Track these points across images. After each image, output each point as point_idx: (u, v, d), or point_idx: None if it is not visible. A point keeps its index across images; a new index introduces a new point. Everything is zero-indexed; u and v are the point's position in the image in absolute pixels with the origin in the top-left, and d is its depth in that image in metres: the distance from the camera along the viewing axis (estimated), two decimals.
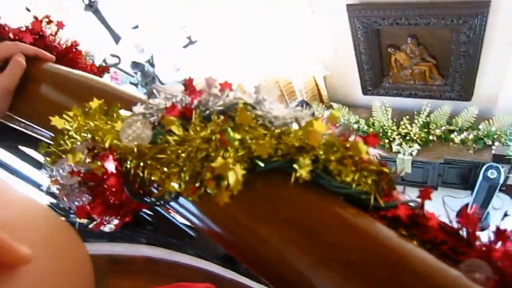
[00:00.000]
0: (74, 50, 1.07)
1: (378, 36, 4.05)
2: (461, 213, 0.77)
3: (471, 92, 4.14)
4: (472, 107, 4.16)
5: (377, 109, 4.49)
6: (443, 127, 4.28)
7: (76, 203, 0.71)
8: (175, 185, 0.61)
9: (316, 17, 4.00)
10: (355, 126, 4.55)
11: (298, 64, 4.43)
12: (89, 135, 0.68)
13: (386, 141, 4.45)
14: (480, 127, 4.15)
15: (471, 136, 4.15)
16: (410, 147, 4.35)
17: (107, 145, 0.64)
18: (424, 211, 0.69)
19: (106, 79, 3.42)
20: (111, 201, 0.70)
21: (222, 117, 0.64)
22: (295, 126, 0.65)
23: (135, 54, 3.02)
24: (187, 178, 0.61)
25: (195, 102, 0.67)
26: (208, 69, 4.86)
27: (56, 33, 1.07)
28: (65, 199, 0.71)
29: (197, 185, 0.61)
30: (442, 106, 4.27)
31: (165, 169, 0.62)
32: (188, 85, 0.70)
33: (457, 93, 4.21)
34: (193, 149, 0.61)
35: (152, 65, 3.17)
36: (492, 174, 3.92)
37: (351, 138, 0.68)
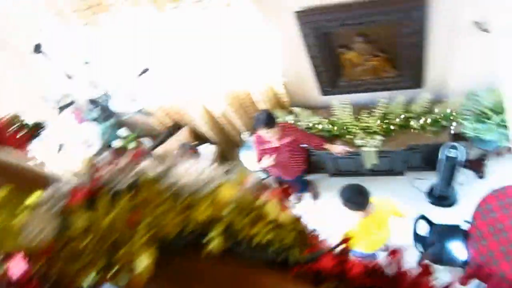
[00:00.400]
0: None
1: (328, 38, 4.16)
2: (390, 252, 0.86)
3: (422, 80, 4.31)
4: (425, 93, 4.34)
5: (337, 108, 4.62)
6: (402, 116, 4.44)
7: None
8: (90, 275, 0.60)
9: (267, 28, 4.14)
10: (319, 126, 4.70)
11: (256, 77, 4.55)
12: None
13: (350, 136, 4.59)
14: (436, 110, 4.33)
15: (428, 121, 4.32)
16: (373, 139, 4.52)
17: (6, 250, 0.61)
18: (349, 259, 0.72)
19: (69, 117, 3.47)
20: None
21: (129, 194, 0.63)
22: (206, 188, 0.64)
23: (90, 90, 3.08)
24: (100, 267, 0.60)
25: (102, 180, 0.66)
26: (166, 95, 4.94)
27: None
28: None
29: (113, 271, 0.60)
30: (397, 96, 4.43)
31: (76, 262, 0.60)
32: (90, 167, 0.70)
33: (409, 82, 4.36)
34: (100, 236, 0.60)
35: (108, 99, 3.23)
36: (452, 153, 4.12)
37: (265, 194, 0.69)
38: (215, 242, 0.58)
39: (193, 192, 0.63)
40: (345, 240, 0.75)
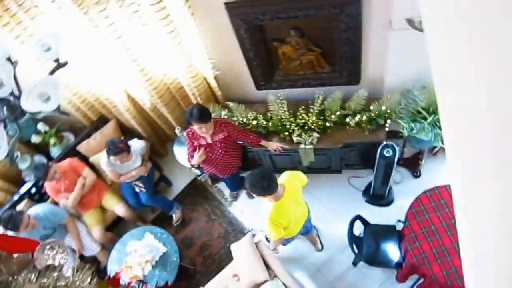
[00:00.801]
0: None
1: (262, 31, 3.98)
2: None
3: (359, 76, 4.23)
4: (361, 90, 4.25)
5: (273, 103, 4.46)
6: (338, 113, 4.32)
7: None
8: None
9: (198, 18, 3.90)
10: (254, 122, 4.52)
11: (187, 68, 4.31)
12: None
13: (286, 133, 4.46)
14: (372, 108, 4.25)
15: (364, 118, 4.24)
16: (310, 136, 4.38)
17: None
18: None
19: None
20: None
21: None
22: None
23: None
24: None
25: None
26: (91, 86, 4.61)
27: None
28: None
29: None
30: (334, 92, 4.32)
31: None
32: None
33: (345, 78, 4.27)
34: None
35: (18, 97, 2.90)
36: (387, 152, 4.04)
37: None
38: None
39: None
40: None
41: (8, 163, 4.72)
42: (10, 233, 4.28)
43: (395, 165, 4.16)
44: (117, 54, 4.07)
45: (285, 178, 3.63)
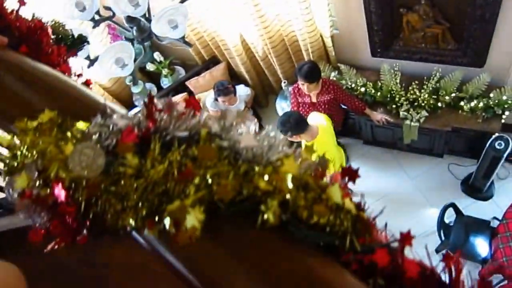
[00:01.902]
0: (39, 31, 1.00)
1: None
2: (445, 256, 0.75)
3: (485, 59, 4.02)
4: (484, 74, 4.06)
5: (386, 73, 4.39)
6: (453, 94, 4.19)
7: (36, 219, 0.68)
8: (131, 220, 0.57)
9: None
10: (362, 89, 4.47)
11: (306, 22, 4.30)
12: (39, 156, 0.62)
13: (394, 106, 4.38)
14: (491, 95, 4.06)
15: (481, 105, 4.07)
16: (418, 113, 4.28)
17: (52, 174, 0.59)
18: (404, 258, 0.66)
19: (103, 30, 3.33)
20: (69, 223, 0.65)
21: (183, 146, 0.59)
22: (268, 157, 0.60)
23: (129, 8, 2.91)
24: (144, 213, 0.57)
25: (157, 125, 0.61)
26: (209, 26, 4.75)
27: (17, 11, 0.99)
28: (22, 214, 0.68)
29: (156, 220, 0.56)
30: (453, 72, 4.17)
31: (120, 203, 0.57)
32: (148, 105, 0.64)
33: (469, 59, 4.08)
34: (149, 183, 0.57)
35: (149, 20, 3.07)
36: (499, 145, 3.87)
37: (328, 176, 0.64)
38: (270, 214, 0.55)
39: (254, 157, 0.59)
40: (406, 238, 0.68)
41: (128, 82, 5.02)
42: None
43: (503, 159, 3.96)
44: None
45: (317, 120, 3.92)
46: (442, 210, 4.07)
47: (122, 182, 0.58)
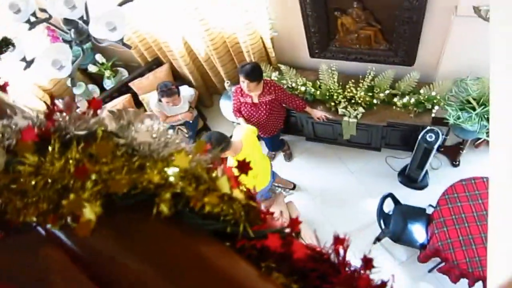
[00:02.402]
0: None
1: None
2: (334, 239, 0.86)
3: (414, 58, 4.26)
4: (414, 72, 4.29)
5: (324, 72, 4.56)
6: (387, 91, 4.40)
7: None
8: (33, 216, 0.60)
9: None
10: (302, 88, 4.64)
11: (246, 25, 4.43)
12: None
13: (332, 104, 4.56)
14: (421, 91, 4.31)
15: (412, 100, 4.30)
16: (355, 110, 4.48)
17: None
18: (292, 241, 0.71)
19: (42, 32, 3.30)
20: None
21: (82, 144, 0.63)
22: (162, 152, 0.64)
23: (66, 10, 2.91)
24: (45, 208, 0.60)
25: (57, 124, 0.66)
26: (151, 28, 4.79)
27: None
28: None
29: (57, 215, 0.60)
30: (386, 70, 4.38)
31: (21, 200, 0.60)
32: (48, 106, 0.68)
33: (400, 58, 4.32)
34: (48, 180, 0.60)
35: (86, 22, 3.08)
36: (430, 137, 4.12)
37: (220, 168, 0.69)
38: (163, 205, 0.59)
39: (150, 153, 0.63)
40: (294, 223, 0.74)
41: (68, 83, 4.98)
42: None
43: (434, 151, 4.24)
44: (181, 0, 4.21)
45: (241, 133, 3.99)
46: (381, 200, 4.29)
47: (22, 179, 0.61)
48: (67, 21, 3.07)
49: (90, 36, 3.17)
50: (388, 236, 4.38)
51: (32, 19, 2.93)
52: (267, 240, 0.65)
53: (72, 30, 3.14)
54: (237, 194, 0.66)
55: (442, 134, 4.18)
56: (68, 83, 5.00)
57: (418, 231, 4.27)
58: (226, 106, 5.18)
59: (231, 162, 3.75)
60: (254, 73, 4.06)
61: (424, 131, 4.19)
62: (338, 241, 0.82)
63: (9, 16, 2.80)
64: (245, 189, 0.72)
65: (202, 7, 4.33)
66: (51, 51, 2.95)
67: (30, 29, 2.99)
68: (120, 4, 3.16)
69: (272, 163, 5.42)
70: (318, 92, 4.62)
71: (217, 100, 5.52)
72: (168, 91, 4.53)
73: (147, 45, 5.07)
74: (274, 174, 4.64)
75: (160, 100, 4.68)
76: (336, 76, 4.55)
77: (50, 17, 3.01)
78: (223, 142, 3.65)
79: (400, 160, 5.02)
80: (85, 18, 3.05)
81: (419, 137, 4.22)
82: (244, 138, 3.92)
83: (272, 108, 4.42)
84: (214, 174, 0.65)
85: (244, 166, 0.73)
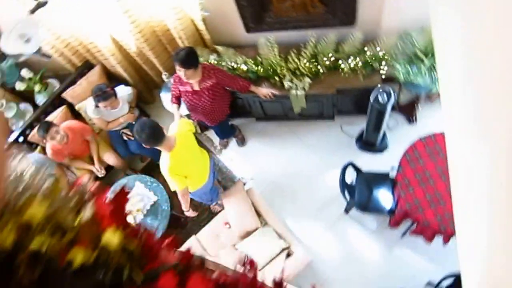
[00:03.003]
0: None
1: None
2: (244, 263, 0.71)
3: (354, 16, 4.03)
4: (356, 32, 4.07)
5: (263, 46, 4.30)
6: (331, 57, 4.20)
7: None
8: None
9: None
10: (244, 67, 4.39)
11: (173, 9, 4.13)
12: None
13: (277, 78, 4.33)
14: (367, 52, 4.11)
15: (359, 62, 4.11)
16: (301, 81, 4.26)
17: None
18: (191, 275, 0.60)
19: None
20: None
21: None
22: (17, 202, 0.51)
23: None
24: None
25: None
26: (74, 30, 4.46)
27: None
28: None
29: None
30: (327, 35, 4.14)
31: None
32: None
33: (340, 19, 4.08)
34: None
35: None
36: (382, 98, 3.95)
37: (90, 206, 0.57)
38: (21, 270, 0.45)
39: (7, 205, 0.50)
40: (184, 257, 0.62)
41: None
42: None
43: (389, 111, 4.07)
44: None
45: (176, 128, 3.74)
46: (341, 171, 4.11)
47: None
48: None
49: (4, 54, 2.85)
50: (355, 207, 4.22)
51: None
52: (160, 280, 0.54)
53: None
54: (110, 237, 0.53)
55: (394, 93, 4.00)
56: None
57: (384, 197, 4.11)
58: (167, 99, 4.90)
59: (166, 158, 3.54)
60: (189, 60, 3.78)
61: (375, 92, 4.01)
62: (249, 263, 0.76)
63: None
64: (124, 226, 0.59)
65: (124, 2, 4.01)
66: None
67: None
68: (33, 11, 2.86)
69: (225, 151, 5.22)
70: (260, 69, 4.37)
71: (157, 95, 5.22)
72: (103, 94, 4.24)
73: (73, 49, 4.71)
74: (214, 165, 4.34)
75: (97, 106, 4.38)
76: (276, 48, 4.30)
77: None
78: (157, 135, 3.40)
79: (355, 126, 4.83)
80: None
81: (371, 99, 4.03)
82: (178, 133, 3.65)
83: (215, 93, 4.16)
84: (82, 216, 0.55)
85: (121, 198, 0.62)
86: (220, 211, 4.63)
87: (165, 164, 3.55)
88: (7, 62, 3.24)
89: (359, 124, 4.78)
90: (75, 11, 4.14)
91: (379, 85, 4.05)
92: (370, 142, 4.65)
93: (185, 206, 4.02)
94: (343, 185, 4.14)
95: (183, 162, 3.64)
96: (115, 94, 4.36)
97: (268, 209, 4.30)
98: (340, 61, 4.21)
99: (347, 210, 4.46)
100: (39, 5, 2.90)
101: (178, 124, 3.78)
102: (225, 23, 4.45)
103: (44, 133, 4.28)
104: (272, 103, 4.56)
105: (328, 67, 4.25)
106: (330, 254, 4.44)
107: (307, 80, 4.26)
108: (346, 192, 4.17)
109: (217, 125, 4.60)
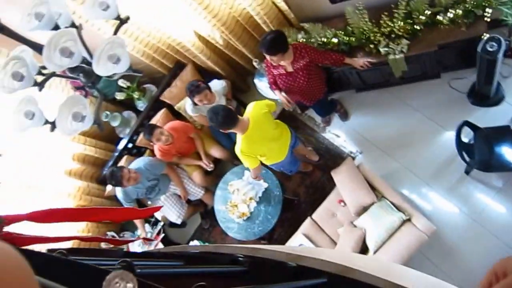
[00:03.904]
0: None
1: None
2: None
3: None
4: None
5: (351, 14, 4.13)
6: (427, 12, 3.93)
7: None
8: None
9: None
10: (335, 40, 4.25)
11: None
12: None
13: (372, 46, 4.15)
14: None
15: (459, 12, 3.83)
16: (398, 44, 4.05)
17: None
18: None
19: (61, 80, 3.16)
20: None
21: None
22: None
23: (64, 61, 2.75)
24: None
25: None
26: (160, 34, 4.58)
27: None
28: None
29: None
30: None
31: None
32: None
33: None
34: None
35: (88, 63, 2.91)
36: (491, 46, 3.64)
37: None
38: None
39: None
40: None
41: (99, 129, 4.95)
42: (118, 191, 4.63)
43: (500, 58, 3.74)
44: None
45: (249, 110, 3.74)
46: (456, 131, 3.88)
47: None
48: (71, 69, 2.93)
49: (98, 76, 3.00)
50: (476, 167, 3.97)
51: (39, 78, 2.81)
52: None
53: (80, 75, 3.00)
54: None
55: (505, 39, 3.66)
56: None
57: (507, 152, 3.83)
58: (262, 85, 4.92)
59: (239, 139, 3.65)
60: (274, 46, 3.75)
61: (483, 41, 3.68)
62: None
63: (14, 86, 2.68)
64: None
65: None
66: (67, 106, 2.81)
67: (40, 90, 2.86)
68: (116, 31, 2.96)
69: (328, 128, 5.12)
70: (352, 39, 4.22)
71: (252, 82, 5.23)
72: (196, 88, 4.34)
73: (163, 52, 4.86)
74: (296, 142, 4.31)
75: (195, 104, 4.49)
76: (366, 14, 4.11)
77: (54, 72, 2.88)
78: (229, 120, 3.52)
79: (465, 80, 4.50)
80: (88, 58, 2.88)
81: (479, 49, 3.72)
82: (251, 115, 3.69)
83: (310, 72, 4.09)
84: None
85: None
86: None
87: (238, 145, 3.70)
88: (103, 79, 3.40)
89: (468, 78, 4.46)
90: (157, 16, 4.24)
91: (485, 33, 3.73)
92: (483, 95, 4.32)
93: (252, 176, 4.28)
94: (460, 145, 3.92)
95: (257, 144, 3.76)
96: (208, 88, 4.43)
97: (382, 182, 4.19)
98: (437, 15, 3.92)
99: (467, 172, 4.22)
100: (122, 23, 2.98)
101: (252, 106, 3.80)
102: None
103: (150, 136, 4.50)
104: (370, 71, 4.40)
105: (425, 24, 3.99)
106: (455, 220, 4.26)
107: (405, 41, 4.04)
108: (464, 153, 3.93)
109: (316, 103, 4.52)
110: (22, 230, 2.07)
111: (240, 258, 1.14)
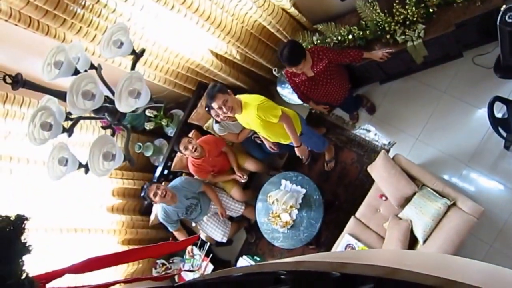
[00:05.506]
0: None
1: None
2: None
3: None
4: None
5: (363, 8, 4.19)
6: None
7: None
8: None
9: None
10: (350, 37, 4.29)
11: (261, 7, 4.16)
12: None
13: (388, 36, 4.17)
14: None
15: None
16: (415, 30, 4.07)
17: None
18: None
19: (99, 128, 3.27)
20: None
21: None
22: None
23: (87, 104, 2.84)
24: None
25: None
26: (177, 59, 4.69)
27: None
28: None
29: None
30: None
31: None
32: None
33: None
34: None
35: (112, 101, 3.00)
36: (510, 17, 3.61)
37: None
38: None
39: None
40: None
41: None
42: (158, 212, 4.88)
43: None
44: (187, 19, 4.04)
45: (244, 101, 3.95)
46: (488, 108, 3.84)
47: None
48: (95, 111, 3.02)
49: (122, 113, 3.09)
50: None
51: (67, 123, 2.92)
52: None
53: (106, 114, 3.09)
54: None
55: None
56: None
57: None
58: (285, 92, 4.98)
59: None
60: (294, 57, 3.91)
61: (501, 13, 3.65)
62: None
63: (44, 136, 2.79)
64: None
65: (208, 11, 4.08)
66: (96, 148, 2.89)
67: (69, 135, 2.96)
68: (133, 66, 3.06)
69: (358, 124, 5.12)
70: (367, 32, 4.27)
71: (275, 91, 5.30)
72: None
73: (183, 77, 5.01)
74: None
75: (217, 122, 4.58)
76: (377, 5, 4.17)
77: (80, 117, 2.99)
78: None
79: (488, 55, 4.46)
80: (111, 96, 2.97)
81: (498, 22, 3.69)
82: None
83: (331, 73, 4.16)
84: None
85: None
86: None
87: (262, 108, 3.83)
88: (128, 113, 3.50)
89: (492, 52, 4.43)
90: (171, 42, 4.39)
91: (503, 4, 3.69)
92: (510, 67, 4.25)
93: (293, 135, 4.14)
94: (495, 121, 3.87)
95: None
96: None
97: (420, 169, 4.17)
98: None
99: (507, 147, 4.16)
100: (138, 57, 3.07)
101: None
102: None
103: (178, 145, 4.65)
104: (390, 61, 4.40)
105: (438, 5, 4.03)
106: (501, 197, 4.22)
107: (420, 26, 4.06)
108: (500, 128, 3.88)
109: (342, 102, 4.55)
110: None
111: (283, 276, 1.17)
